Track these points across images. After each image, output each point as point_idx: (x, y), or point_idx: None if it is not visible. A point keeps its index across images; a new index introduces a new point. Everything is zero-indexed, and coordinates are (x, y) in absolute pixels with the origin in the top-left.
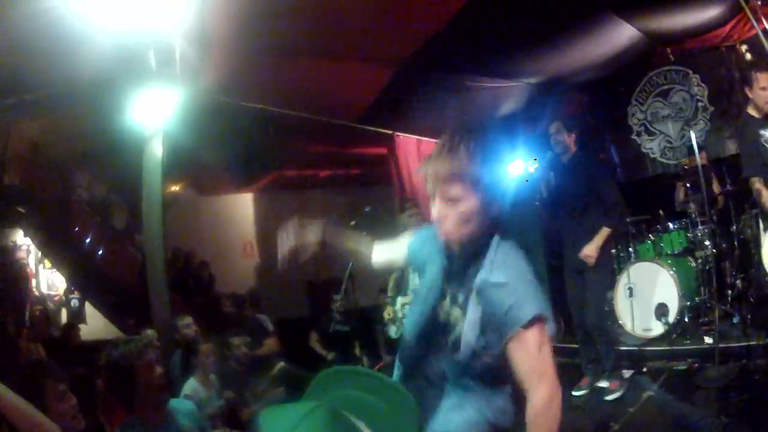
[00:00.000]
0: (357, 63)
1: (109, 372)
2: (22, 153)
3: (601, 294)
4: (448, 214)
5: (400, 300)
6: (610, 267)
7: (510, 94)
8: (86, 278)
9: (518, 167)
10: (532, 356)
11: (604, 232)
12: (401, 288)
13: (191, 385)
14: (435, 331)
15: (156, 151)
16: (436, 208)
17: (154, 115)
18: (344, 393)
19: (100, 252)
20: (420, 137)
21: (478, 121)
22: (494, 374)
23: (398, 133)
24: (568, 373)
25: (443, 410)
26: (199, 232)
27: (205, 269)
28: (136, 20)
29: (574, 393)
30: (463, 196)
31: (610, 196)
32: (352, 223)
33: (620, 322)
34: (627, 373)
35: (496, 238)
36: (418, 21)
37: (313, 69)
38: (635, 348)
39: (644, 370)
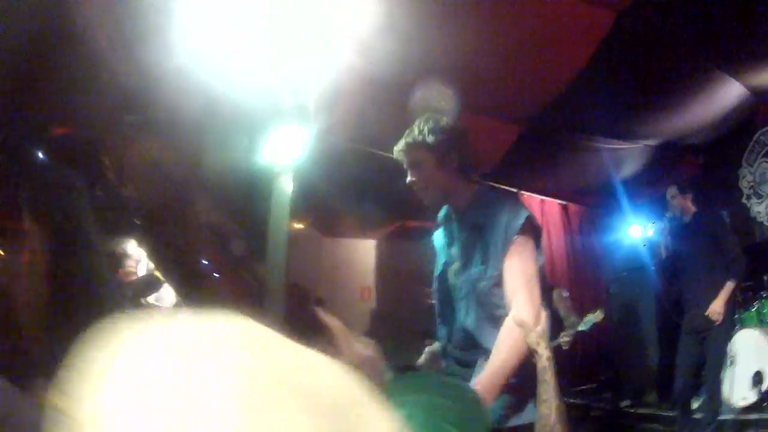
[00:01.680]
0: (485, 120)
1: None
2: (141, 169)
3: (722, 354)
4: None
5: None
6: (732, 327)
7: (629, 156)
8: (198, 296)
9: (636, 231)
10: (516, 269)
11: (729, 286)
12: None
13: None
14: None
15: (286, 186)
16: None
17: (286, 153)
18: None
19: (215, 274)
20: (543, 197)
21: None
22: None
23: (522, 192)
24: None
25: None
26: (318, 271)
27: (320, 307)
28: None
29: None
30: None
31: (732, 250)
32: None
33: None
34: None
35: None
36: (543, 80)
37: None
38: (732, 417)
39: None
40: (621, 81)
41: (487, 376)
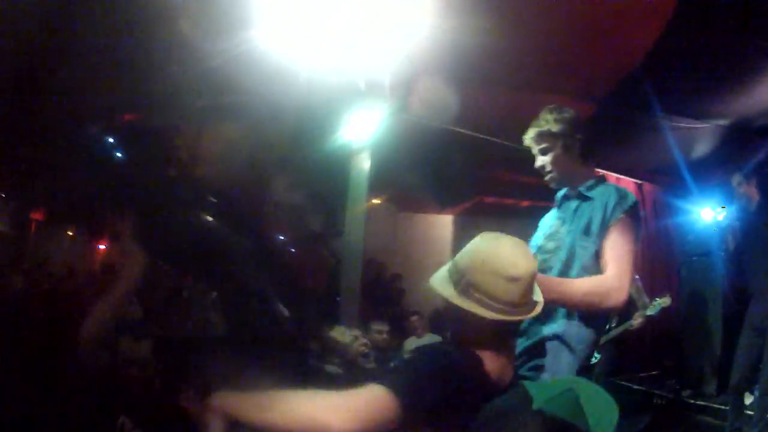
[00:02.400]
0: (556, 98)
1: None
2: (216, 150)
3: None
4: None
5: None
6: None
7: (701, 136)
8: (271, 271)
9: (708, 215)
10: (616, 245)
11: None
12: None
13: None
14: None
15: (364, 163)
16: None
17: (363, 131)
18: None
19: (291, 249)
20: (618, 175)
21: None
22: None
23: (598, 169)
24: None
25: None
26: (395, 247)
27: (397, 282)
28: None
29: None
30: None
31: None
32: None
33: None
34: None
35: None
36: (614, 59)
37: (515, 101)
38: None
39: None
40: (693, 59)
41: (555, 281)
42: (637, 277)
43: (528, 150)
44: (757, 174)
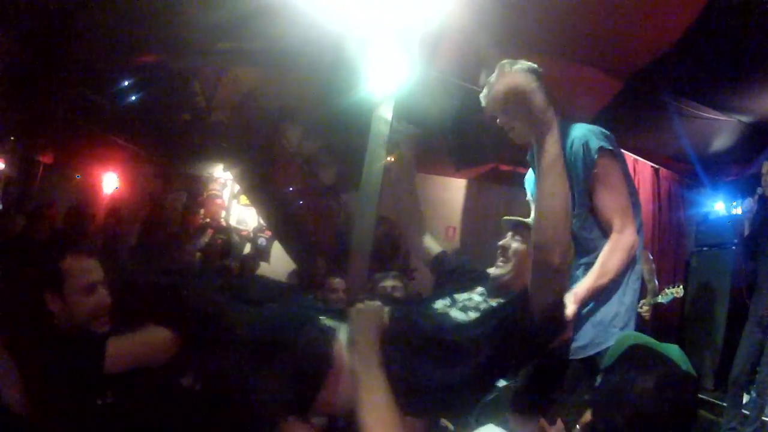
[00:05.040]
0: (589, 69)
1: None
2: (233, 96)
3: None
4: None
5: None
6: None
7: (723, 129)
8: (283, 222)
9: (721, 207)
10: (607, 195)
11: None
12: None
13: None
14: None
15: (386, 114)
16: None
17: (385, 85)
18: None
19: (301, 201)
20: (636, 157)
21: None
22: None
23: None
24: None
25: None
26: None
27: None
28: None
29: None
30: None
31: None
32: None
33: None
34: None
35: None
36: (650, 37)
37: (546, 68)
38: None
39: None
40: (722, 49)
41: (589, 279)
42: (651, 257)
43: None
44: None
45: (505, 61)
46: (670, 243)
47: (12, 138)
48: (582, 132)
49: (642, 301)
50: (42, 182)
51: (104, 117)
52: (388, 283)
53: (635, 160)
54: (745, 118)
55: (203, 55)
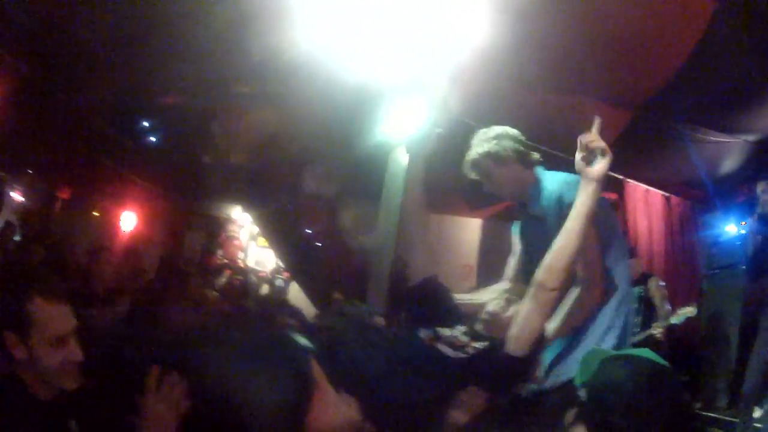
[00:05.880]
0: (594, 103)
1: None
2: (255, 138)
3: None
4: None
5: None
6: None
7: (730, 151)
8: (301, 264)
9: (732, 229)
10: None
11: None
12: None
13: None
14: None
15: (401, 158)
16: None
17: (401, 128)
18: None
19: (320, 243)
20: (648, 187)
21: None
22: None
23: (628, 180)
24: None
25: None
26: (424, 246)
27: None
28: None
29: None
30: None
31: None
32: None
33: None
34: None
35: None
36: (654, 68)
37: (553, 103)
38: None
39: None
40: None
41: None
42: (662, 283)
43: (560, 155)
44: None
45: (482, 129)
46: (683, 268)
47: (30, 171)
48: (557, 185)
49: (653, 325)
50: (60, 216)
51: (125, 155)
52: None
53: (646, 190)
54: (751, 137)
55: (223, 97)
